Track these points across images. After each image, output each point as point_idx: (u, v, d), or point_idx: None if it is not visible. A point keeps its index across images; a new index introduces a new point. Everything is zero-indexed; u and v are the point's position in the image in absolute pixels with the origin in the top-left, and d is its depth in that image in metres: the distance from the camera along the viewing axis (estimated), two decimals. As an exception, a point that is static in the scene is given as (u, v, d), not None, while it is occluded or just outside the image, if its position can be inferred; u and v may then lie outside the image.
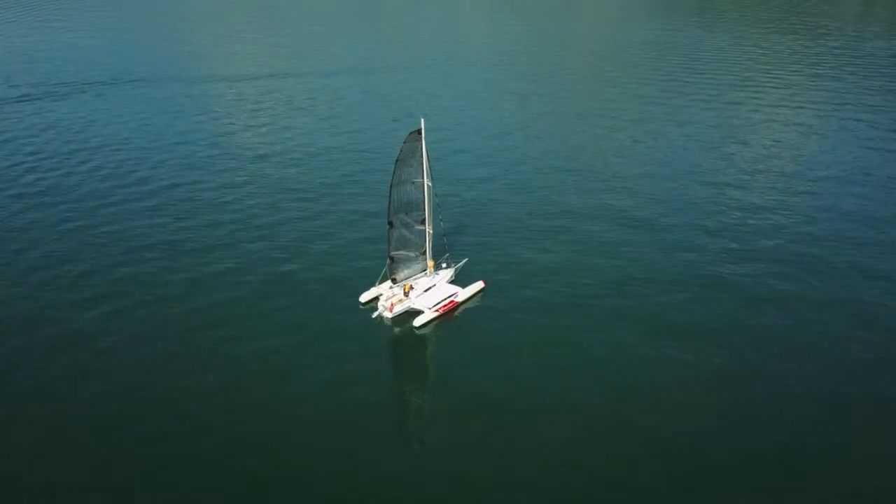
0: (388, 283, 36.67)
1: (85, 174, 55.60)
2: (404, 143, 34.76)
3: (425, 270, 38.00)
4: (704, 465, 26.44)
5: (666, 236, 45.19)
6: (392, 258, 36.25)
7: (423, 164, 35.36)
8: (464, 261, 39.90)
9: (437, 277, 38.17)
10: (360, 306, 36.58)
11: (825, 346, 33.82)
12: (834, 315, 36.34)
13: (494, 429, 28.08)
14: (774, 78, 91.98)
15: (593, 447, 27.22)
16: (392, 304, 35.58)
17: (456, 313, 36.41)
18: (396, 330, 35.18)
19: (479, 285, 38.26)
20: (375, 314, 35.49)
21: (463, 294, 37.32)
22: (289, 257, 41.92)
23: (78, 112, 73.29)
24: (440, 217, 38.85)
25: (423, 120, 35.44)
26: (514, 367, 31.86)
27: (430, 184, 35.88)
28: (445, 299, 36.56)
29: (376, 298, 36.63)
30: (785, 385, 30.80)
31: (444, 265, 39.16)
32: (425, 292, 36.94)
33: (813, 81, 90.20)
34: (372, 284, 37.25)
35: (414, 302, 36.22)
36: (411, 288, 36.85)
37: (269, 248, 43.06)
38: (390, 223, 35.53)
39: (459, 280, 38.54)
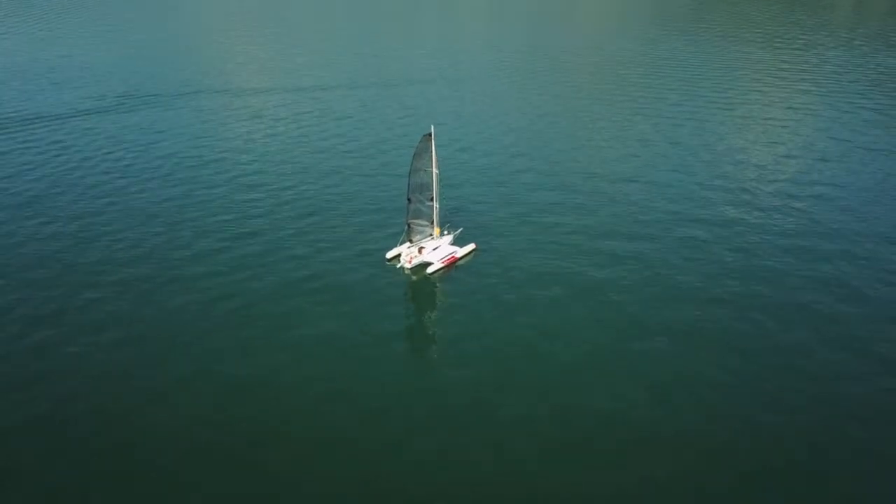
0: (407, 243, 50.81)
1: (151, 180, 69.56)
2: (419, 142, 48.86)
3: (432, 235, 52.16)
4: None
5: (643, 234, 59.41)
6: (409, 225, 50.40)
7: (432, 157, 49.44)
8: (460, 229, 54.03)
9: (442, 240, 52.24)
10: (386, 261, 50.69)
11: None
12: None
13: (484, 345, 41.03)
14: (768, 88, 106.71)
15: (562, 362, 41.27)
16: (410, 258, 49.72)
17: (456, 265, 50.68)
18: (414, 277, 49.28)
19: (472, 246, 52.48)
20: (399, 266, 49.64)
21: (461, 252, 51.53)
22: (332, 226, 56.24)
23: (129, 125, 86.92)
24: (444, 197, 52.93)
25: (432, 127, 49.54)
26: (498, 301, 45.89)
27: (437, 172, 50.00)
28: (448, 255, 50.72)
29: (398, 255, 50.75)
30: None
31: (446, 232, 53.20)
32: (434, 250, 51.03)
33: (806, 92, 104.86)
34: (394, 245, 51.45)
35: (426, 257, 50.35)
36: (423, 247, 51.03)
37: (316, 222, 57.10)
38: (409, 200, 49.65)
39: (458, 242, 52.68)
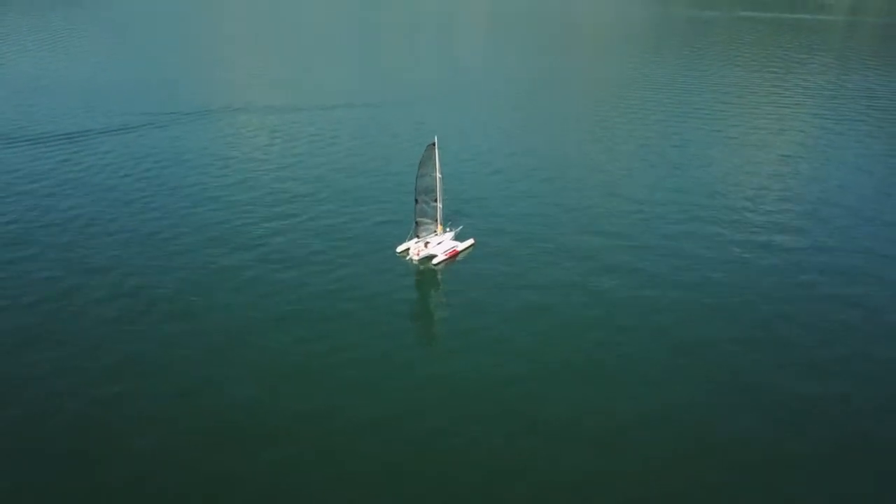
0: (415, 238, 58.31)
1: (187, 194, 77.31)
2: (424, 151, 56.47)
3: (436, 231, 59.68)
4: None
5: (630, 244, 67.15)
6: (417, 223, 57.92)
7: (436, 164, 57.01)
8: (461, 226, 61.53)
9: (445, 236, 59.64)
10: (397, 254, 58.17)
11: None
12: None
13: (482, 324, 48.35)
14: (764, 107, 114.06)
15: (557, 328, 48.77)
16: (418, 252, 57.21)
17: (457, 258, 58.19)
18: (421, 267, 56.73)
19: (471, 241, 60.01)
20: (408, 258, 57.15)
21: (461, 246, 59.02)
22: (350, 225, 63.74)
23: (151, 144, 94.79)
24: (446, 198, 60.49)
25: (435, 137, 57.22)
26: (493, 287, 53.35)
27: (440, 176, 57.57)
28: (450, 248, 58.18)
29: (407, 249, 58.21)
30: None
31: (448, 229, 60.70)
32: (438, 244, 58.47)
33: (798, 111, 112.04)
34: (403, 240, 58.94)
35: (431, 250, 57.78)
36: (429, 242, 58.55)
37: (335, 222, 64.55)
38: (416, 200, 57.23)
39: (458, 238, 60.12)
